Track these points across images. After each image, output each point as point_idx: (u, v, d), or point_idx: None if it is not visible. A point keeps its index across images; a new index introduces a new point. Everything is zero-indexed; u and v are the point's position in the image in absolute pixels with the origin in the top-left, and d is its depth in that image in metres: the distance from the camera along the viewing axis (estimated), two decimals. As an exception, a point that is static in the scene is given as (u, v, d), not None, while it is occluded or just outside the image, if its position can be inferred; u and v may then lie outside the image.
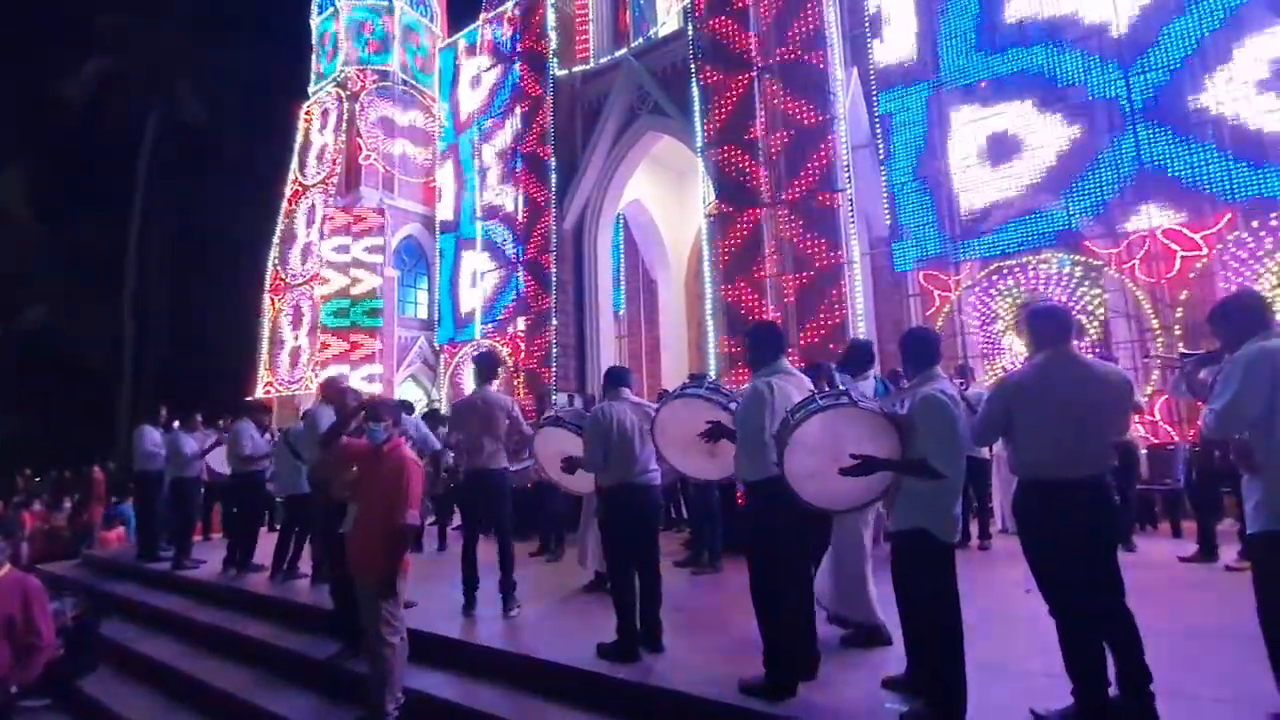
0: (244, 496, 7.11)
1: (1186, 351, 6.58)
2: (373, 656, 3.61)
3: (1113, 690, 2.66)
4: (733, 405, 3.48)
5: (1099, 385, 2.69)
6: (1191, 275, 8.01)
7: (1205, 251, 7.96)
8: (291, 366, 17.51)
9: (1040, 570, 2.75)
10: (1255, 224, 7.69)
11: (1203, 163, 7.70)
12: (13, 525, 10.32)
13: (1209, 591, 4.46)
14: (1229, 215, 7.84)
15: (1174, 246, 8.15)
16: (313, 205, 18.05)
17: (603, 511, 4.07)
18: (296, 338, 17.59)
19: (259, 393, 17.80)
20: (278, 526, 7.24)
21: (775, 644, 3.08)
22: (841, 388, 3.71)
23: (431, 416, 8.84)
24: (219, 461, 7.85)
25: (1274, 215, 7.58)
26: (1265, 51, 7.52)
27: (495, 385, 5.48)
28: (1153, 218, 8.04)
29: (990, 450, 7.01)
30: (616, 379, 4.21)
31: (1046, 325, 2.80)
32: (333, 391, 4.89)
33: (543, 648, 4.03)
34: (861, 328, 8.75)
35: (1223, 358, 2.83)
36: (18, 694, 4.19)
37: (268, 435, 7.46)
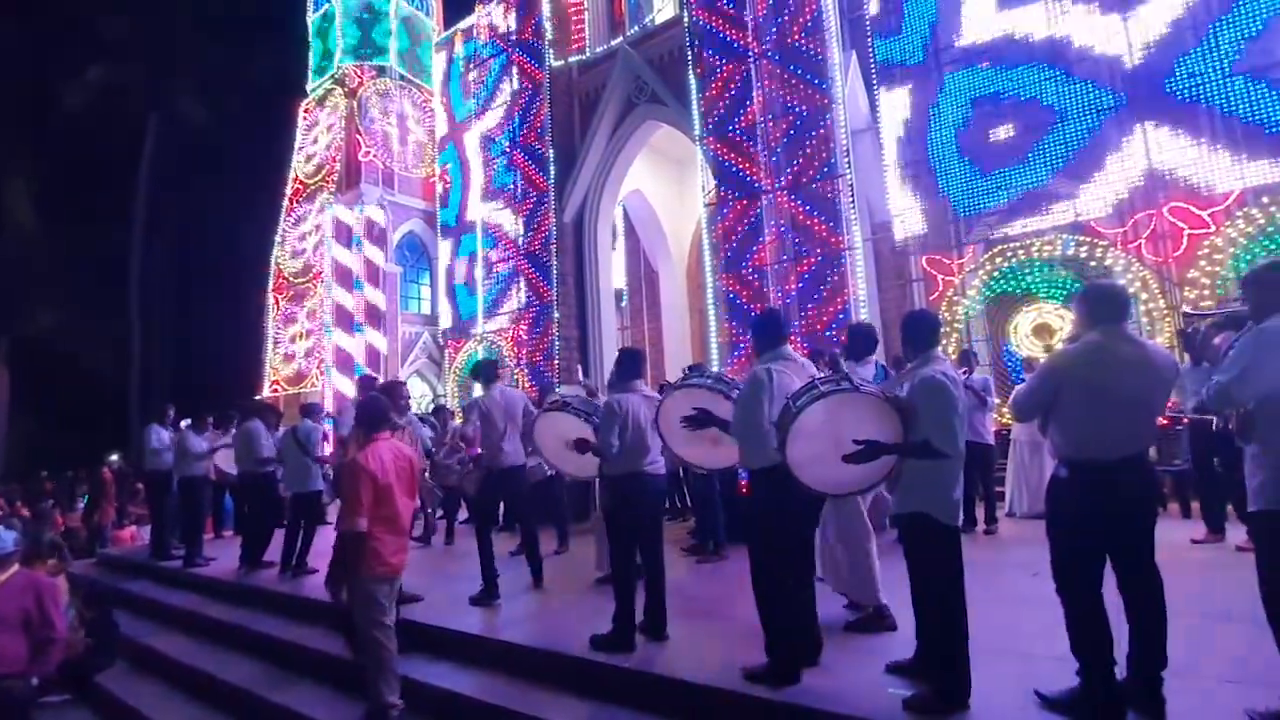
0: (256, 496, 7.15)
1: (1190, 312, 6.48)
2: (362, 653, 3.66)
3: (1120, 672, 2.65)
4: (734, 394, 3.47)
5: (1152, 365, 2.66)
6: (1200, 254, 7.90)
7: (1213, 229, 7.86)
8: (296, 365, 17.62)
9: (1067, 548, 2.70)
10: (1265, 200, 7.58)
11: (1210, 139, 7.62)
12: (45, 521, 10.45)
13: (1219, 572, 4.44)
14: (1237, 191, 7.74)
15: (1180, 225, 8.05)
16: (314, 203, 18.09)
17: (609, 500, 4.09)
18: (301, 336, 17.67)
19: (265, 391, 17.92)
20: (284, 523, 7.29)
21: (776, 630, 3.09)
22: (844, 371, 3.70)
23: (438, 412, 8.88)
24: (226, 461, 7.90)
25: (1283, 190, 7.48)
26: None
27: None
28: (1158, 196, 7.96)
29: (1011, 432, 7.02)
30: (630, 369, 4.15)
31: (1102, 303, 2.75)
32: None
33: (550, 639, 4.06)
34: (864, 313, 8.71)
35: (1245, 324, 2.77)
36: (39, 688, 4.28)
37: (276, 434, 7.49)
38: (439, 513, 8.07)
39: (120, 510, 12.14)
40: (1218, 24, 7.76)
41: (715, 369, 8.94)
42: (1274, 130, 7.42)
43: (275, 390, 17.78)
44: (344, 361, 16.59)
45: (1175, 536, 5.47)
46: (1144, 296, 8.02)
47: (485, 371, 5.53)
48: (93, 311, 23.28)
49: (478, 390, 5.73)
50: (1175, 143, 7.97)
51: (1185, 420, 5.96)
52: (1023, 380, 8.16)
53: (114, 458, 20.05)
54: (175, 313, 26.23)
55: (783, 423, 2.90)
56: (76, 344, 23.54)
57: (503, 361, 13.25)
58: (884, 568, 3.75)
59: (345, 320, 16.87)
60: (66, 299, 23.06)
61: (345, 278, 17.03)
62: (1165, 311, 7.97)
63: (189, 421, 8.34)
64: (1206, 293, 7.73)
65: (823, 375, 3.23)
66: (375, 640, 3.57)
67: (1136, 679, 2.62)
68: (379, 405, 3.86)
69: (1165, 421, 7.18)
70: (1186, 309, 7.14)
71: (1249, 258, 7.50)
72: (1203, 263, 7.84)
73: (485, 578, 4.94)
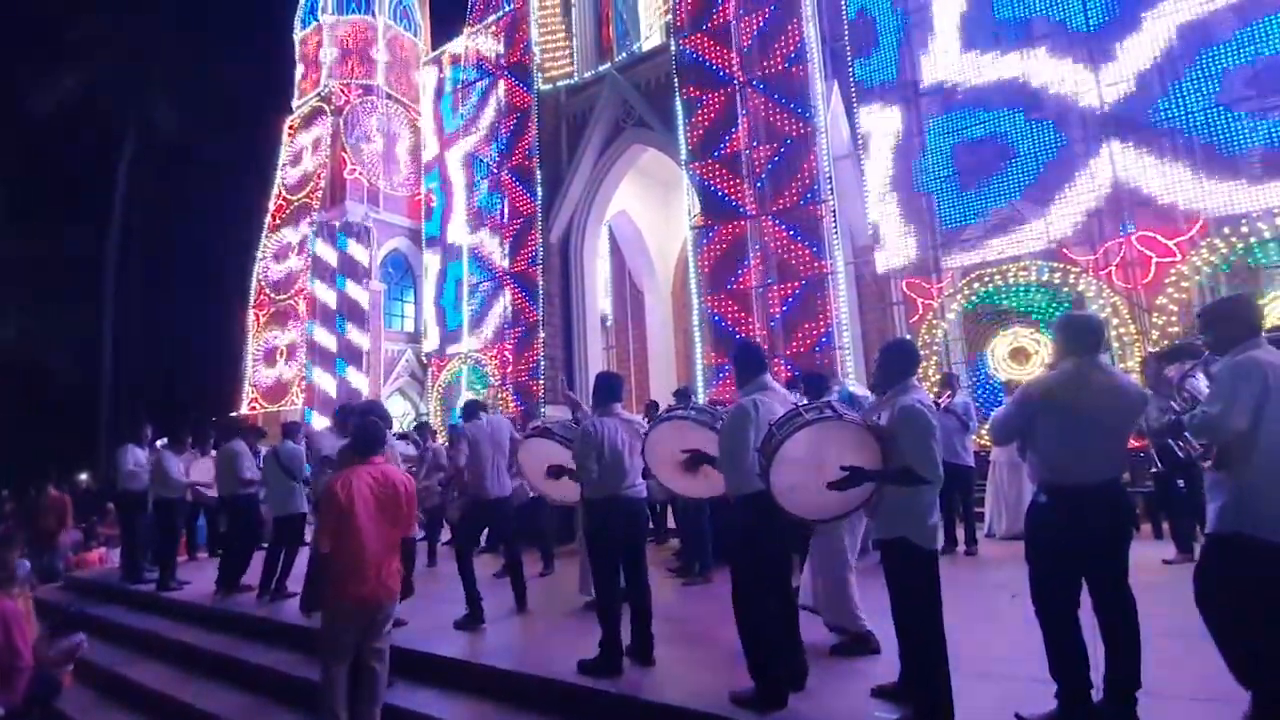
0: (238, 518, 7.03)
1: (1153, 351, 6.71)
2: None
3: (1096, 694, 2.72)
4: (719, 425, 3.53)
5: (1123, 393, 2.77)
6: (1167, 281, 8.18)
7: (1179, 257, 8.15)
8: (276, 382, 17.40)
9: (1045, 572, 2.79)
10: (1227, 230, 7.89)
11: (1175, 175, 7.95)
12: (12, 545, 10.00)
13: (1190, 592, 4.55)
14: (1201, 222, 8.04)
15: (1149, 253, 8.33)
16: (297, 219, 18.01)
17: (589, 524, 4.10)
18: (282, 353, 17.48)
19: (243, 409, 17.67)
20: (264, 546, 7.16)
21: (759, 655, 3.12)
22: (824, 399, 3.78)
23: (421, 429, 8.84)
24: (203, 475, 7.74)
25: (1244, 221, 7.78)
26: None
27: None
28: (1128, 225, 8.25)
29: (990, 454, 7.14)
30: (609, 392, 4.15)
31: (1078, 334, 2.87)
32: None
33: (536, 664, 4.04)
34: (846, 336, 8.86)
35: (1200, 355, 2.89)
36: (4, 716, 4.17)
37: (259, 453, 7.39)
38: (420, 534, 7.98)
39: (88, 531, 11.79)
40: (1190, 64, 8.11)
41: (700, 392, 9.02)
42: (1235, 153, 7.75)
43: (254, 407, 17.52)
44: (326, 366, 16.41)
45: (1147, 557, 5.58)
46: (1115, 322, 8.26)
47: (469, 407, 5.59)
48: (63, 324, 22.77)
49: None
50: (1145, 172, 8.26)
51: (1142, 443, 6.12)
52: (1002, 403, 8.34)
53: (83, 476, 19.56)
54: (151, 327, 25.81)
55: (766, 450, 2.96)
56: (46, 358, 22.99)
57: (488, 380, 13.22)
58: (867, 591, 3.80)
59: (328, 324, 16.71)
60: (36, 309, 22.53)
61: (329, 280, 16.90)
62: (1135, 336, 8.22)
63: (165, 441, 8.20)
64: (1174, 319, 8.00)
65: (805, 403, 3.30)
66: (324, 675, 3.51)
67: (1112, 699, 2.69)
68: (372, 430, 3.82)
69: (1138, 444, 7.37)
70: (1151, 349, 7.39)
71: (1214, 285, 7.79)
72: (1170, 289, 8.12)
73: (469, 602, 4.91)
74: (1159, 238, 8.26)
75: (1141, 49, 8.30)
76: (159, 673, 5.49)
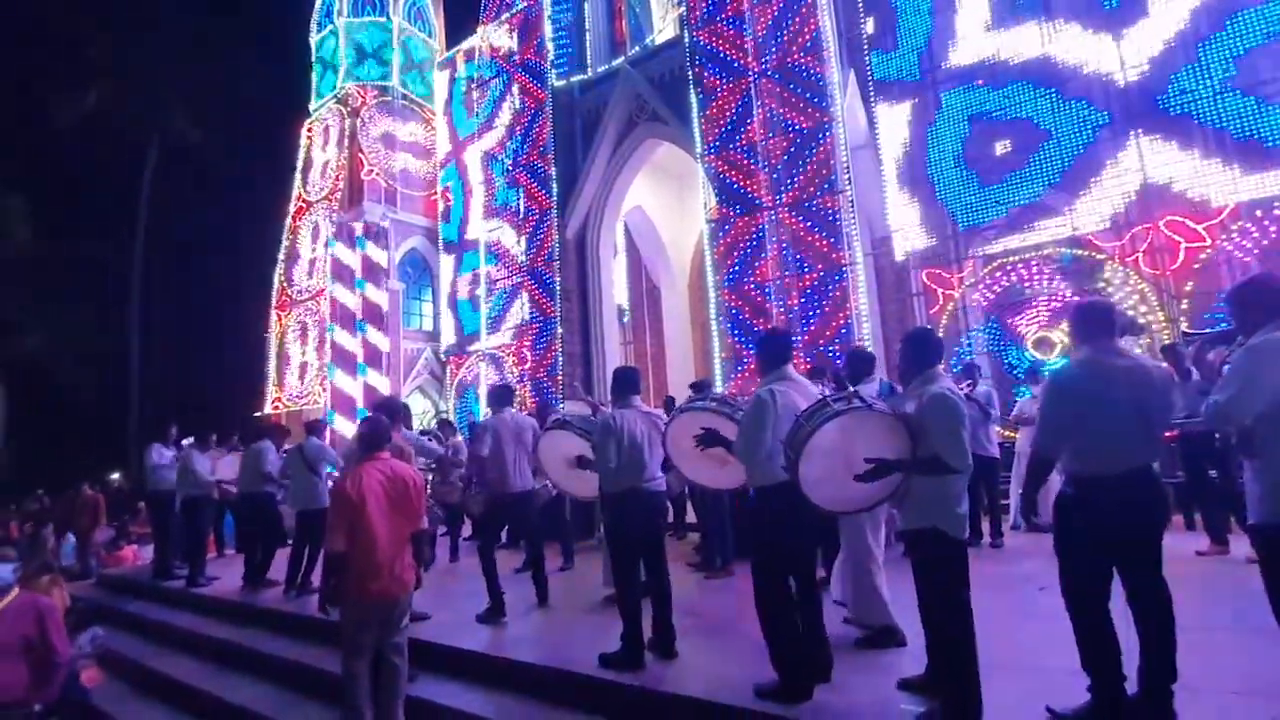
0: (258, 514, 7.14)
1: (1189, 331, 6.55)
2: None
3: (1130, 686, 2.66)
4: (738, 415, 3.50)
5: (1147, 377, 2.69)
6: (1196, 266, 7.97)
7: (1209, 242, 7.93)
8: (299, 382, 17.64)
9: (1074, 563, 2.73)
10: (1259, 213, 7.67)
11: (1204, 153, 7.73)
12: (38, 546, 10.31)
13: (1226, 584, 4.44)
14: (1231, 205, 7.82)
15: (1177, 238, 8.13)
16: (316, 221, 18.22)
17: (608, 518, 4.10)
18: (304, 353, 17.72)
19: (267, 408, 17.95)
20: (289, 542, 7.27)
21: (782, 647, 3.09)
22: (851, 389, 3.73)
23: (443, 427, 8.90)
24: (229, 470, 7.87)
25: (1276, 205, 7.56)
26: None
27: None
28: (1154, 210, 8.05)
29: (1015, 445, 7.03)
30: (627, 385, 4.16)
31: (1088, 321, 2.81)
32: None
33: (558, 657, 4.05)
34: (866, 328, 8.75)
35: (1235, 339, 2.80)
36: (41, 713, 4.22)
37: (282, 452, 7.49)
38: (442, 530, 8.05)
39: (120, 529, 12.08)
40: (1207, 42, 7.90)
41: (719, 385, 8.98)
42: (1271, 144, 7.52)
43: (277, 408, 17.79)
44: (347, 367, 16.62)
45: (1180, 549, 5.46)
46: (1143, 309, 8.07)
47: (498, 395, 5.60)
48: (92, 329, 23.25)
49: (485, 411, 5.77)
50: (1169, 157, 8.07)
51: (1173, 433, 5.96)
52: (1022, 392, 8.21)
53: (115, 476, 20.03)
54: (175, 330, 26.28)
55: (795, 441, 2.92)
56: (76, 362, 23.50)
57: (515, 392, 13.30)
58: (893, 583, 3.76)
59: (348, 324, 16.94)
60: (65, 316, 23.03)
61: (348, 280, 17.12)
62: (1164, 324, 8.02)
63: (191, 440, 8.35)
64: (1204, 304, 7.80)
65: (832, 393, 3.25)
66: (345, 671, 3.52)
67: (1147, 693, 2.62)
68: (377, 426, 3.83)
69: (1168, 435, 7.18)
70: (1185, 329, 7.20)
71: (1246, 270, 7.58)
72: (1200, 276, 7.91)
73: (491, 596, 4.95)
74: (1188, 223, 8.04)
75: (1163, 33, 8.08)
76: (189, 666, 5.60)
